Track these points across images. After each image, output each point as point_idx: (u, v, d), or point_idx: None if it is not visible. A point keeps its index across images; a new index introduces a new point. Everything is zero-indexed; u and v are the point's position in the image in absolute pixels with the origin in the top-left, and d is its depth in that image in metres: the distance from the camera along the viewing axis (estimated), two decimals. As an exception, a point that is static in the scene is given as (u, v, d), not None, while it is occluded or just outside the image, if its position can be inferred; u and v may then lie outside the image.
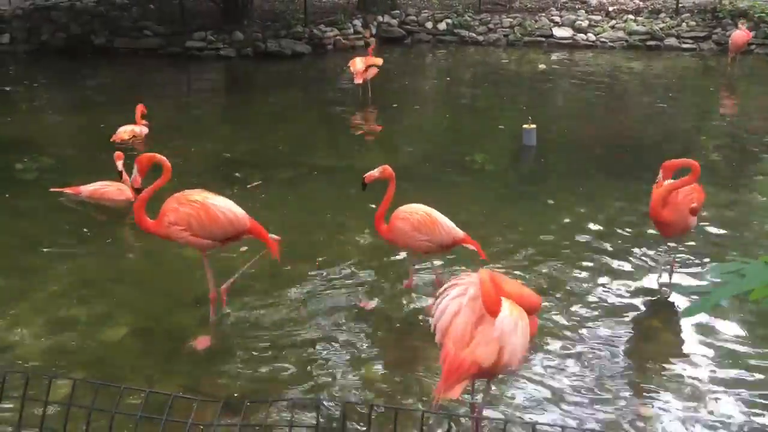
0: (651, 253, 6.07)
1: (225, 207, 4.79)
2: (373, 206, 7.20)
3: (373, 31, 17.41)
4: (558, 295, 5.36)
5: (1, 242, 6.37)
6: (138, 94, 12.54)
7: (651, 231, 6.11)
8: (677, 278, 5.62)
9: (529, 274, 5.66)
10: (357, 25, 17.20)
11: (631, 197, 7.25)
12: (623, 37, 16.85)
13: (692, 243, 6.19)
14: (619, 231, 6.57)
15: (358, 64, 11.14)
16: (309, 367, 4.48)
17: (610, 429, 3.92)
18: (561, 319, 5.04)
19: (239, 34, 15.99)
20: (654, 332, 5.06)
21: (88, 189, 7.18)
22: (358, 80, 11.10)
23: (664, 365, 4.61)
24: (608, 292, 5.46)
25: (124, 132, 8.94)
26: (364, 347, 4.72)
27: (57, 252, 6.09)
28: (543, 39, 17.16)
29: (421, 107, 12.17)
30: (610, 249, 6.19)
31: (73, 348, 4.68)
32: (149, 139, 9.12)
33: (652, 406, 4.16)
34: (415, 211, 5.08)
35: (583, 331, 4.93)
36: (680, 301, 5.32)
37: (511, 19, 17.67)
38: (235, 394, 4.17)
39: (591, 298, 5.35)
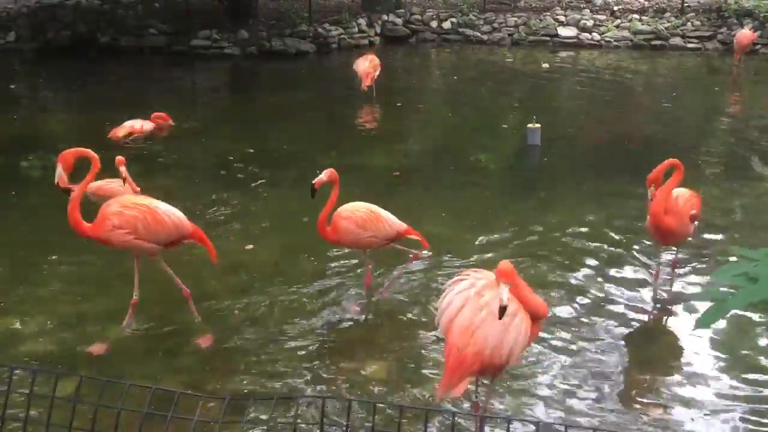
0: (656, 251, 6.07)
1: (170, 211, 4.81)
2: (381, 204, 7.22)
3: (378, 30, 17.42)
4: (562, 293, 5.36)
5: (7, 240, 6.40)
6: (143, 93, 12.60)
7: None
8: (681, 276, 5.61)
9: (533, 271, 5.65)
10: (361, 24, 17.20)
11: (635, 196, 7.23)
12: (628, 37, 16.82)
13: (696, 241, 6.17)
14: (624, 230, 6.56)
15: (360, 66, 11.13)
16: (313, 365, 4.49)
17: (617, 428, 3.92)
18: (565, 317, 5.04)
19: (244, 33, 16.01)
20: (660, 332, 5.06)
21: (93, 185, 7.16)
22: (367, 82, 11.08)
23: (669, 364, 4.61)
24: (612, 289, 5.46)
25: (121, 129, 8.88)
26: (369, 345, 4.73)
27: (62, 250, 6.11)
28: (548, 38, 17.13)
29: (425, 106, 12.17)
30: (614, 248, 6.18)
31: (78, 345, 4.69)
32: (158, 137, 9.15)
33: (661, 406, 4.16)
34: (357, 209, 5.12)
35: (587, 329, 4.93)
36: (686, 301, 5.30)
37: (516, 19, 17.65)
38: (245, 391, 4.18)
39: (594, 296, 5.35)
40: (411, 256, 5.51)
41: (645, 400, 4.24)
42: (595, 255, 6.05)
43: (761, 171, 8.61)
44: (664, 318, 5.18)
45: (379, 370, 4.46)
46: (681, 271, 5.69)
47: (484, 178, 8.32)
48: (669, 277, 5.54)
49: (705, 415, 4.08)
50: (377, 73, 11.26)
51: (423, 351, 4.65)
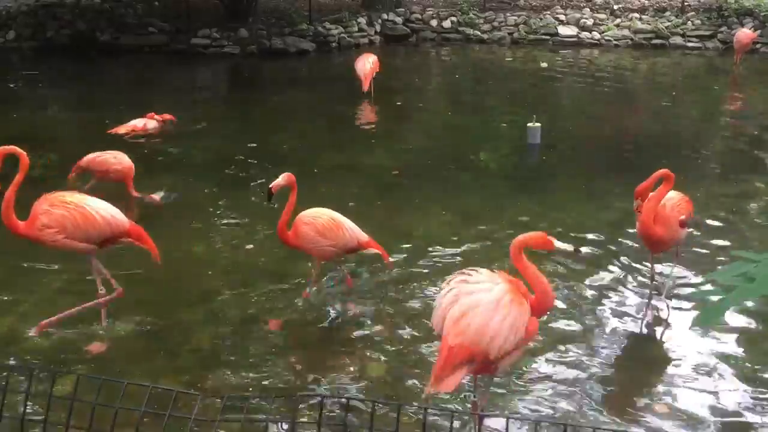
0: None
1: (101, 208, 4.67)
2: (380, 203, 7.25)
3: (378, 28, 17.41)
4: (560, 291, 5.35)
5: (5, 239, 6.38)
6: (143, 91, 12.59)
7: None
8: (680, 276, 5.61)
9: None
10: (361, 23, 17.19)
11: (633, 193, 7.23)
12: (628, 36, 16.81)
13: (696, 240, 6.17)
14: (623, 228, 6.55)
15: (360, 67, 11.14)
16: (311, 364, 4.50)
17: (617, 426, 3.92)
18: (565, 315, 5.03)
19: (244, 31, 16.00)
20: (659, 331, 5.06)
21: (86, 158, 7.19)
22: (365, 86, 11.11)
23: (668, 364, 4.60)
24: (611, 288, 5.46)
25: (123, 127, 8.93)
26: (366, 344, 4.72)
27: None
28: (548, 37, 17.13)
29: (424, 105, 12.16)
30: (612, 246, 6.18)
31: (76, 344, 4.69)
32: (155, 135, 9.15)
33: (660, 406, 4.16)
34: (319, 215, 5.02)
35: (588, 326, 4.93)
36: (684, 300, 5.30)
37: (516, 17, 17.64)
38: (243, 390, 4.18)
39: (594, 295, 5.35)
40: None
41: (643, 400, 4.24)
42: (593, 253, 6.05)
43: (762, 170, 8.60)
44: (663, 317, 5.17)
45: (378, 370, 4.46)
46: (680, 270, 5.68)
47: (483, 176, 8.32)
48: (668, 276, 5.53)
49: (716, 411, 4.07)
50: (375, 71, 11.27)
51: (423, 350, 4.65)
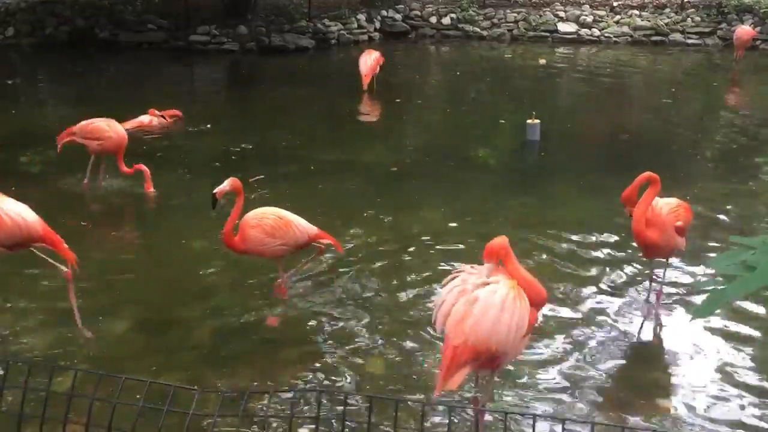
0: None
1: (12, 210, 4.44)
2: (379, 200, 7.24)
3: (377, 25, 17.39)
4: (560, 288, 5.35)
5: None
6: (142, 88, 12.58)
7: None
8: (680, 269, 5.61)
9: (531, 265, 5.64)
10: (361, 20, 17.18)
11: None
12: (628, 33, 16.80)
13: (694, 237, 6.17)
14: (622, 225, 6.54)
15: (363, 64, 11.14)
16: (310, 360, 4.49)
17: (611, 422, 3.92)
18: (564, 312, 5.03)
19: (243, 28, 15.98)
20: (658, 325, 5.05)
21: (77, 126, 7.14)
22: (365, 84, 11.11)
23: (667, 360, 4.60)
24: (610, 285, 5.46)
25: (130, 123, 8.95)
26: (365, 340, 4.72)
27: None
28: (547, 34, 17.12)
29: (424, 102, 12.16)
30: (612, 242, 6.18)
31: (76, 341, 4.69)
32: (154, 132, 9.15)
33: (659, 400, 4.17)
34: (266, 215, 4.86)
35: (586, 323, 4.93)
36: (684, 294, 5.30)
37: (516, 14, 17.63)
38: (242, 385, 4.18)
39: (592, 291, 5.35)
40: (280, 291, 5.11)
41: (642, 395, 4.24)
42: (593, 249, 6.05)
43: (761, 166, 8.59)
44: (663, 310, 5.16)
45: (377, 365, 4.46)
46: (680, 264, 5.68)
47: (482, 173, 8.31)
48: (665, 275, 5.52)
49: (703, 411, 4.07)
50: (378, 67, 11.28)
51: (422, 347, 4.65)
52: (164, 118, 9.43)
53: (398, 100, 11.83)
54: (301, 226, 4.92)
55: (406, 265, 5.75)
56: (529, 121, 9.07)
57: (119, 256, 6.00)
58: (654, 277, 5.24)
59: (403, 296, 5.29)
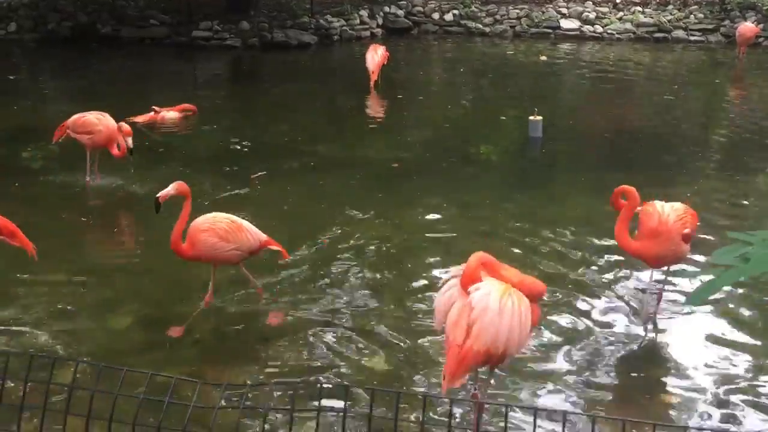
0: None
1: None
2: (381, 196, 7.23)
3: (380, 21, 17.37)
4: (562, 284, 5.35)
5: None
6: (144, 83, 12.59)
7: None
8: (683, 269, 5.59)
9: (532, 262, 5.64)
10: (363, 16, 17.17)
11: (637, 188, 7.21)
12: (631, 29, 16.77)
13: (697, 234, 6.15)
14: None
15: (370, 60, 11.14)
16: (311, 354, 4.50)
17: (617, 415, 3.92)
18: (566, 308, 5.03)
19: (245, 24, 15.97)
20: (660, 321, 5.05)
21: (70, 120, 7.16)
22: (373, 79, 11.12)
23: (667, 355, 4.60)
24: (610, 281, 5.45)
25: (142, 117, 9.17)
26: (370, 335, 4.72)
27: (63, 240, 6.10)
28: (550, 30, 17.10)
29: (426, 98, 12.14)
30: (613, 240, 6.16)
31: (77, 336, 4.69)
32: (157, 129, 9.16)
33: (661, 395, 4.16)
34: (218, 220, 4.72)
35: (589, 318, 4.92)
36: (684, 288, 5.29)
37: (518, 11, 17.61)
38: (244, 379, 4.18)
39: (595, 287, 5.35)
40: (256, 290, 5.03)
41: (642, 392, 4.25)
42: (594, 246, 6.04)
43: (762, 164, 8.59)
44: (664, 307, 5.15)
45: (379, 360, 4.46)
46: (682, 263, 5.66)
47: (484, 170, 8.31)
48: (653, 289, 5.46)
49: (706, 403, 4.08)
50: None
51: (423, 342, 4.65)
52: (178, 111, 9.54)
53: (400, 96, 11.82)
54: (252, 231, 4.80)
55: (407, 261, 5.75)
56: (531, 117, 9.06)
57: (120, 252, 6.00)
58: (654, 282, 5.20)
59: (404, 292, 5.29)
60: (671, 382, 4.32)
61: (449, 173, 7.96)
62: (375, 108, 11.17)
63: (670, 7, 17.34)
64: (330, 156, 8.52)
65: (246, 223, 4.83)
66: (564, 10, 17.48)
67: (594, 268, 5.69)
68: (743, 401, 4.10)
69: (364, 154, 8.69)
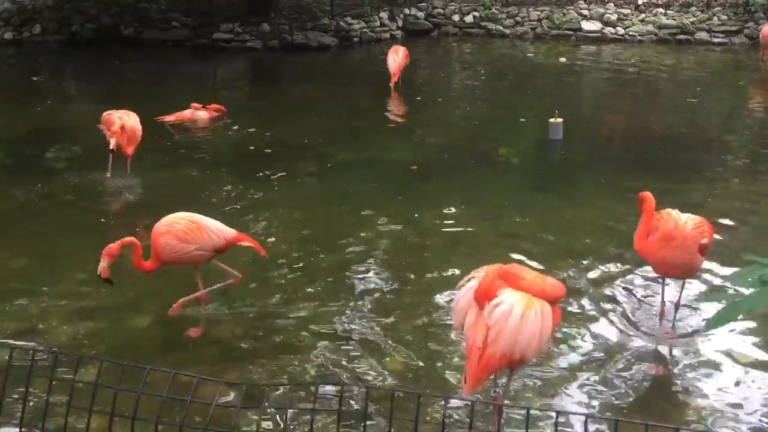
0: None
1: None
2: (400, 198, 7.23)
3: (400, 23, 17.38)
4: (577, 287, 5.32)
5: (32, 230, 6.47)
6: (165, 85, 12.69)
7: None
8: (698, 275, 5.54)
9: (551, 265, 5.61)
10: (383, 18, 17.18)
11: (658, 192, 7.15)
12: (653, 31, 16.64)
13: (719, 239, 6.09)
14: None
15: (392, 62, 11.15)
16: (331, 356, 4.51)
17: (638, 419, 3.89)
18: (583, 311, 5.00)
19: (266, 26, 16.05)
20: (673, 331, 5.01)
21: (104, 114, 7.44)
22: (393, 80, 11.14)
23: (680, 364, 4.56)
24: (627, 286, 5.41)
25: (172, 116, 9.38)
26: (385, 337, 4.73)
27: (85, 240, 6.16)
28: (571, 32, 17.01)
29: (445, 100, 12.13)
30: (632, 243, 6.11)
31: (99, 334, 4.74)
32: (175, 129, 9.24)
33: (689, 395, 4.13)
34: (175, 221, 4.60)
35: (607, 323, 4.89)
36: (699, 302, 5.23)
37: (539, 12, 17.54)
38: (264, 380, 4.20)
39: (609, 292, 5.31)
40: (231, 280, 4.90)
41: (665, 398, 4.21)
42: (613, 250, 5.99)
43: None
44: (678, 317, 5.09)
45: (397, 361, 4.46)
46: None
47: (504, 172, 8.28)
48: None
49: (714, 409, 4.04)
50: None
51: (442, 345, 4.65)
52: (209, 111, 9.66)
53: (419, 98, 11.82)
54: (216, 229, 4.68)
55: (425, 263, 5.74)
56: (551, 120, 9.01)
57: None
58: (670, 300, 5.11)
59: (423, 293, 5.29)
60: (696, 387, 4.28)
61: (468, 175, 7.94)
62: (394, 110, 11.18)
63: (693, 8, 17.18)
64: (349, 157, 8.53)
65: (208, 221, 4.69)
66: (585, 12, 17.38)
67: (612, 270, 5.64)
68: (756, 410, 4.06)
69: (383, 155, 8.69)
